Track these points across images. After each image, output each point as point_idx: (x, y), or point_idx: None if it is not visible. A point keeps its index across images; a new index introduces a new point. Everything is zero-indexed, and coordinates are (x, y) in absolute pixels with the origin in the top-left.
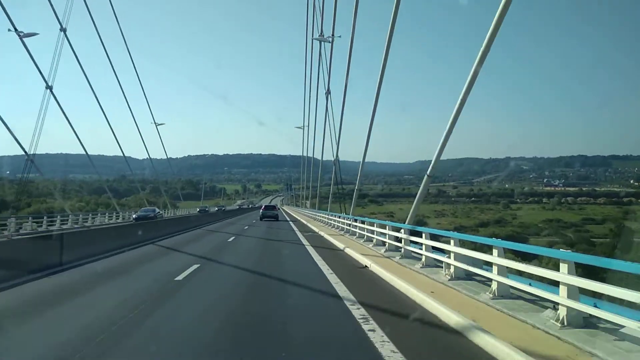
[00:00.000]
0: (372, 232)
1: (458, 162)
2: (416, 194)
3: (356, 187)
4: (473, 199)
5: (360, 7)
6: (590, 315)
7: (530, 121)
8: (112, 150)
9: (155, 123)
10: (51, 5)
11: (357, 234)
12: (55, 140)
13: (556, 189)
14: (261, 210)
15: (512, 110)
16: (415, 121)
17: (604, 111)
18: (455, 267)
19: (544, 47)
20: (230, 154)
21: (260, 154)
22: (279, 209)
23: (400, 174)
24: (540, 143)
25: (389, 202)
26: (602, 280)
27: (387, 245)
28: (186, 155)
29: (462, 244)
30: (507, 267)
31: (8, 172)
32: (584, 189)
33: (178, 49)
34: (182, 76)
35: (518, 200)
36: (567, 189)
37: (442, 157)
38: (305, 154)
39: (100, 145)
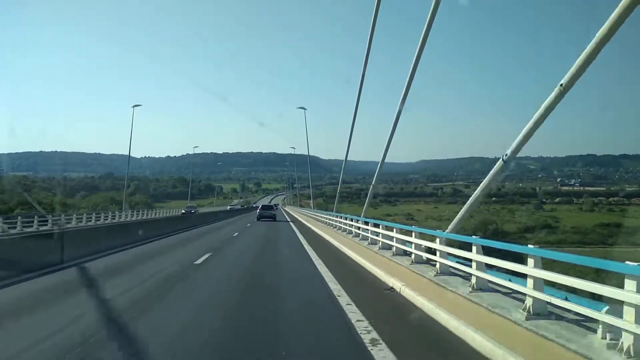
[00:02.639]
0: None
1: (462, 161)
2: (428, 193)
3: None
4: (494, 199)
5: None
6: None
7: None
8: (109, 149)
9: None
10: None
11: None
12: (50, 139)
13: (574, 188)
14: (258, 211)
15: (515, 109)
16: (417, 121)
17: (610, 111)
18: None
19: (546, 46)
20: (230, 152)
21: (261, 152)
22: (277, 208)
23: (404, 173)
24: (544, 142)
25: (401, 202)
26: None
27: None
28: (185, 153)
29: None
30: None
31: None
32: (612, 188)
33: (178, 49)
34: (182, 75)
35: (544, 200)
36: (586, 188)
37: (446, 157)
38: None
39: (98, 143)
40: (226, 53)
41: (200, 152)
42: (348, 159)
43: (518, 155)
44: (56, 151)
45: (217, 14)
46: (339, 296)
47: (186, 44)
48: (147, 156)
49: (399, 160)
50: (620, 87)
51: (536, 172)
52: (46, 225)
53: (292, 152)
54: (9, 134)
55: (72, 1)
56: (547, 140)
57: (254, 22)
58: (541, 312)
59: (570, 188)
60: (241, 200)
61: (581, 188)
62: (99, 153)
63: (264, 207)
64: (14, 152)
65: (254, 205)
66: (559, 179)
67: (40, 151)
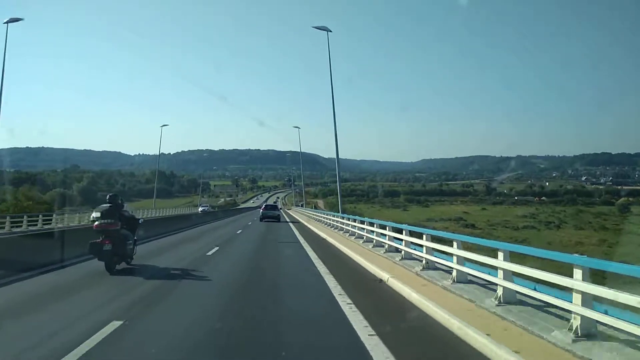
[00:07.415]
0: None
1: (468, 160)
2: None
3: None
4: (544, 198)
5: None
6: None
7: (538, 119)
8: (100, 146)
9: None
10: None
11: None
12: (37, 135)
13: (610, 187)
14: (261, 210)
15: (514, 109)
16: (417, 121)
17: (609, 110)
18: None
19: (548, 49)
20: (227, 149)
21: (259, 150)
22: (280, 209)
23: (406, 172)
24: (547, 142)
25: (432, 202)
26: None
27: None
28: (180, 150)
29: None
30: None
31: None
32: None
33: (175, 48)
34: (179, 74)
35: (613, 200)
36: (623, 187)
37: (451, 156)
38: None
39: (88, 140)
40: (225, 52)
41: (195, 149)
42: (348, 157)
43: (524, 155)
44: (42, 147)
45: (216, 14)
46: None
47: (184, 43)
48: (141, 153)
49: (400, 160)
50: (624, 86)
51: (549, 170)
52: None
53: (292, 150)
54: None
55: (72, 2)
56: (553, 139)
57: (253, 21)
58: None
59: (600, 186)
60: (229, 199)
61: (619, 187)
62: (89, 150)
63: (267, 207)
64: (13, 147)
65: (225, 208)
66: (584, 177)
67: (27, 147)
